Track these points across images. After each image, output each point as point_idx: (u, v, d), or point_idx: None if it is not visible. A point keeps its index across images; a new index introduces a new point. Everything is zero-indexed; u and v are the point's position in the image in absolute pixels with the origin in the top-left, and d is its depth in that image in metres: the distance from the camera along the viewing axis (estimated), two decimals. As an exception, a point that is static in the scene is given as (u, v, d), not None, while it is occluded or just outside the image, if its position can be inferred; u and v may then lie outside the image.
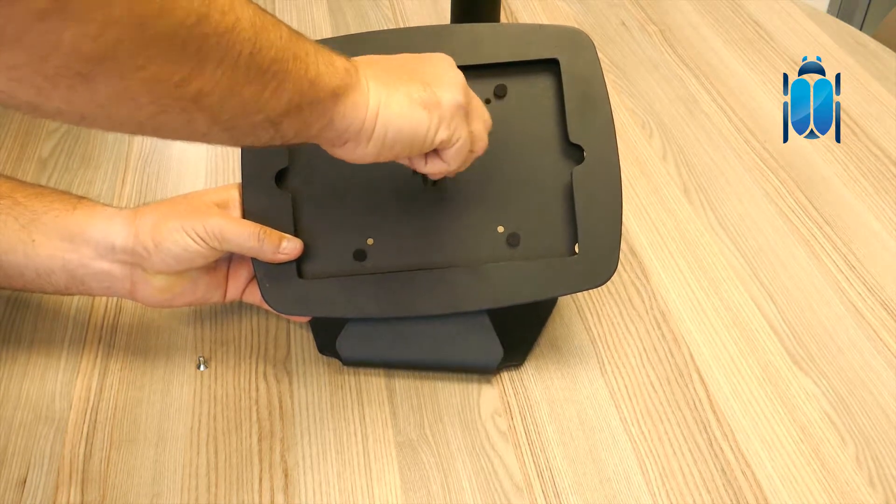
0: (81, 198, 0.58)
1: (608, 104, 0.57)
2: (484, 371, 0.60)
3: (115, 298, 0.65)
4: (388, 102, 0.47)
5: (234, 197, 0.58)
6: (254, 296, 0.61)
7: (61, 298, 0.65)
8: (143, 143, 0.81)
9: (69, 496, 0.53)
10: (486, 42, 0.58)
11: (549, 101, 0.58)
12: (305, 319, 0.62)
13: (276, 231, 0.56)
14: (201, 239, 0.54)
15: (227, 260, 0.61)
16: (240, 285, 0.61)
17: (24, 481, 0.54)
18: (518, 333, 0.61)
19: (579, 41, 0.58)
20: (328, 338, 0.60)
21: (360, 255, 0.59)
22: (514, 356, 0.60)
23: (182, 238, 0.54)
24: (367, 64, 0.48)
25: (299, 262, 0.58)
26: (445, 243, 0.58)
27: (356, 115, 0.46)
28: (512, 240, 0.58)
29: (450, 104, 0.48)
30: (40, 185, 0.58)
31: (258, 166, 0.58)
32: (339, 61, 0.45)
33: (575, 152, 0.58)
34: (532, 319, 0.64)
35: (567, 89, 0.57)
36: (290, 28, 0.43)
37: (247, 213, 0.58)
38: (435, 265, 0.58)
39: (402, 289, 0.57)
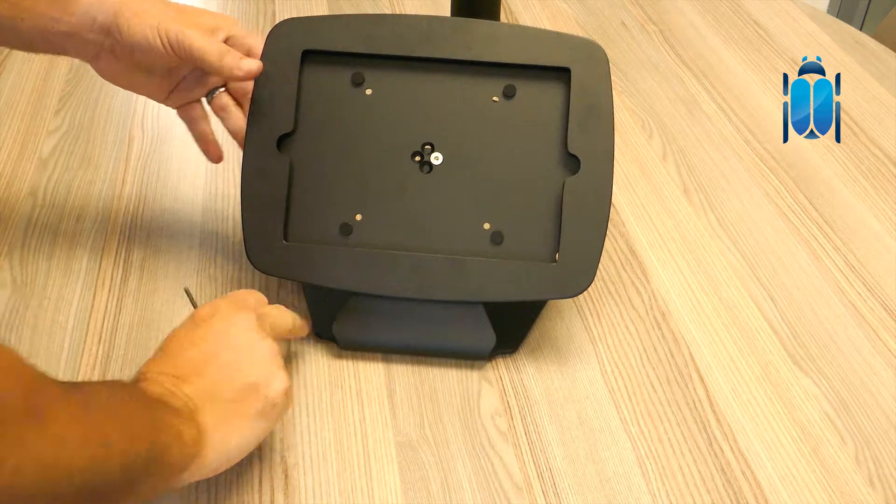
0: None
1: (612, 120, 0.58)
2: (477, 357, 0.60)
3: (115, 298, 0.65)
4: (226, 442, 0.48)
5: (223, 26, 0.60)
6: (187, 113, 0.65)
7: (62, 299, 0.65)
8: (143, 143, 0.81)
9: (69, 496, 0.53)
10: (502, 41, 0.59)
11: (556, 108, 0.59)
12: (272, 277, 0.62)
13: (238, 52, 0.58)
14: (169, 45, 0.57)
15: (184, 77, 0.63)
16: (182, 99, 0.65)
17: (25, 481, 0.54)
18: (512, 322, 0.62)
19: (594, 54, 0.58)
20: (325, 321, 0.61)
21: (346, 228, 0.60)
22: (507, 343, 0.61)
23: (153, 36, 0.57)
24: (204, 399, 0.48)
25: (286, 226, 0.59)
26: (430, 230, 0.59)
27: (200, 470, 0.47)
28: (496, 238, 0.58)
29: (277, 394, 0.50)
30: None
31: (264, 127, 0.60)
32: (188, 433, 0.46)
33: (571, 163, 0.58)
34: (525, 309, 0.64)
35: (574, 100, 0.58)
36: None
37: (244, 172, 0.59)
38: (416, 250, 0.58)
39: (380, 268, 0.58)
